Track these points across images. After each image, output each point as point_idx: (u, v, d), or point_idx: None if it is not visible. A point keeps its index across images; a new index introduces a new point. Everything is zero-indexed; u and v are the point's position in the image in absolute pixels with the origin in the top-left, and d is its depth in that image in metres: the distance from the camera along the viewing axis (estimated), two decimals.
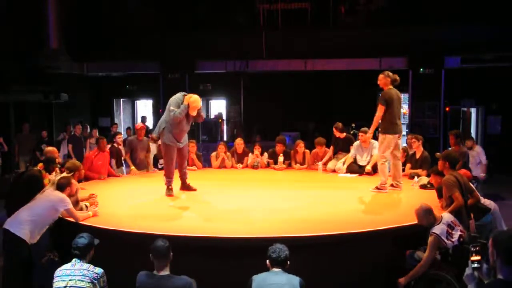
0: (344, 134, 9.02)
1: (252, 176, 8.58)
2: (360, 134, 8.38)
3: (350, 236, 4.80)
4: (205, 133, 14.79)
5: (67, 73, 13.80)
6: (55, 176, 5.46)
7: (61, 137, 12.73)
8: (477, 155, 9.35)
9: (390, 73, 6.78)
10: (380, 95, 6.76)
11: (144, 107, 17.93)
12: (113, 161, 8.61)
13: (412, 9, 12.78)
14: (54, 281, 3.95)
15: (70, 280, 3.89)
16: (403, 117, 13.05)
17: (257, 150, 9.32)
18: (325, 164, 8.86)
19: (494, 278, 3.10)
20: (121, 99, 17.16)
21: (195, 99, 6.47)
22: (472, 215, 5.44)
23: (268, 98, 14.46)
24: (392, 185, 6.91)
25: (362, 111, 13.99)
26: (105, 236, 4.71)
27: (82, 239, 4.09)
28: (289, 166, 9.15)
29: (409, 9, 12.82)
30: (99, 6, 14.14)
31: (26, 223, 4.82)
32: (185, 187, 6.99)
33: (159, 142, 8.01)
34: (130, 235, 4.85)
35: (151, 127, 14.55)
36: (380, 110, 6.64)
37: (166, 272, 3.92)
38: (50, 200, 5.05)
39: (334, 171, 8.61)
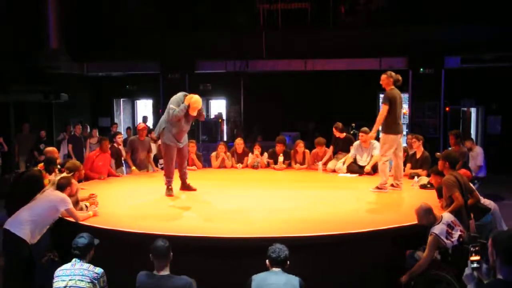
0: (344, 134, 9.02)
1: (252, 176, 8.58)
2: (361, 134, 8.38)
3: (350, 236, 4.80)
4: (205, 133, 14.79)
5: (67, 73, 13.80)
6: (55, 177, 5.46)
7: (61, 137, 12.73)
8: (476, 156, 9.35)
9: (393, 73, 6.79)
10: (383, 94, 6.76)
11: (144, 107, 17.93)
12: (112, 161, 8.61)
13: (412, 9, 12.78)
14: (54, 281, 3.95)
15: (70, 280, 3.89)
16: (403, 117, 13.06)
17: (257, 150, 9.32)
18: (325, 164, 8.86)
19: (493, 278, 3.10)
20: (121, 99, 17.16)
21: (196, 100, 6.48)
22: (472, 215, 5.44)
23: (268, 98, 14.46)
24: (392, 185, 6.92)
25: (362, 111, 14.06)
26: (105, 236, 4.71)
27: (82, 239, 4.09)
28: (289, 166, 9.16)
29: (409, 9, 12.83)
30: (99, 6, 14.14)
31: (26, 223, 4.82)
32: (185, 187, 6.99)
33: (159, 142, 8.02)
34: (130, 235, 4.85)
35: (151, 127, 14.55)
36: (383, 110, 6.65)
37: (166, 272, 3.93)
38: (50, 200, 5.05)
39: (334, 171, 8.61)
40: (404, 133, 10.13)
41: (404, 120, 12.96)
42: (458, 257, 4.59)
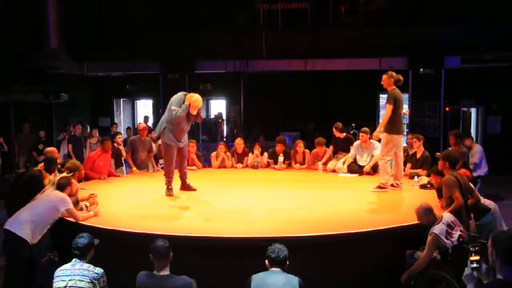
0: (344, 134, 9.03)
1: (252, 176, 8.58)
2: (361, 134, 8.38)
3: (350, 236, 4.80)
4: (205, 133, 14.79)
5: (67, 73, 13.80)
6: (54, 177, 5.46)
7: (61, 137, 12.73)
8: (474, 153, 9.39)
9: (394, 74, 6.80)
10: (388, 94, 6.76)
11: (144, 107, 17.93)
12: (112, 161, 8.60)
13: (412, 9, 12.78)
14: (54, 281, 3.95)
15: (70, 280, 3.89)
16: (403, 117, 13.06)
17: (257, 150, 9.33)
18: (325, 163, 8.87)
19: (493, 278, 3.10)
20: (121, 99, 17.16)
21: (196, 99, 6.49)
22: (472, 215, 5.45)
23: (268, 98, 14.46)
24: (392, 185, 6.93)
25: (362, 111, 14.08)
26: (105, 236, 4.71)
27: (82, 239, 4.10)
28: (289, 166, 9.16)
29: (409, 9, 12.82)
30: (99, 6, 14.14)
31: (27, 223, 4.82)
32: (185, 187, 7.00)
33: (159, 142, 8.02)
34: (130, 235, 4.85)
35: (152, 127, 14.55)
36: (389, 110, 6.66)
37: (166, 272, 3.93)
38: (50, 200, 5.06)
39: (334, 171, 8.62)
40: (404, 133, 10.16)
41: (404, 120, 12.95)
42: (458, 257, 4.59)
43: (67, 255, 4.19)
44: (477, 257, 3.48)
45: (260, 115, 14.59)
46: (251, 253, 4.42)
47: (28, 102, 13.24)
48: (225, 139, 14.90)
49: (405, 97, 12.71)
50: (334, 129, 8.94)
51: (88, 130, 12.13)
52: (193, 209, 6.26)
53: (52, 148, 7.30)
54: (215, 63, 13.95)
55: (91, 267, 3.99)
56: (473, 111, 15.30)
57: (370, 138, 8.38)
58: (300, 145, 9.23)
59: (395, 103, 6.67)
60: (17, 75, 12.55)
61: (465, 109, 15.30)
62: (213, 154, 9.44)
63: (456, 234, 4.75)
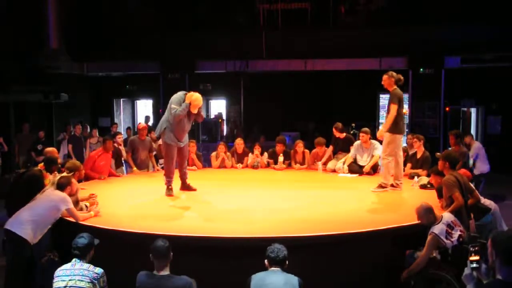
0: (344, 134, 9.02)
1: (252, 176, 8.58)
2: (361, 134, 8.38)
3: (350, 236, 4.80)
4: (205, 133, 14.79)
5: (67, 73, 13.80)
6: (54, 177, 5.46)
7: (61, 137, 12.73)
8: (472, 150, 9.43)
9: (394, 73, 6.80)
10: (391, 94, 6.76)
11: (144, 107, 17.93)
12: (112, 161, 8.60)
13: (412, 9, 12.78)
14: (54, 281, 3.95)
15: (70, 280, 3.89)
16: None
17: (257, 150, 9.33)
18: (325, 163, 8.87)
19: (493, 278, 3.10)
20: (121, 99, 17.16)
21: (196, 97, 6.50)
22: (472, 215, 5.45)
23: (268, 98, 14.46)
24: (392, 185, 6.93)
25: (362, 111, 14.08)
26: (105, 236, 4.71)
27: (82, 239, 4.10)
28: (289, 166, 9.16)
29: (409, 9, 12.82)
30: (99, 6, 14.14)
31: (27, 223, 4.82)
32: (185, 187, 7.00)
33: (159, 142, 8.02)
34: (130, 235, 4.85)
35: (152, 127, 14.55)
36: (394, 110, 6.66)
37: (166, 272, 3.93)
38: (51, 199, 5.06)
39: (334, 171, 8.61)
40: (405, 133, 10.20)
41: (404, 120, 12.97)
42: (458, 257, 4.59)
43: (67, 255, 4.19)
44: (476, 257, 3.48)
45: (260, 115, 14.59)
46: (251, 253, 4.42)
47: (28, 102, 13.23)
48: (225, 139, 14.90)
49: (405, 97, 12.72)
50: (334, 129, 8.94)
51: (88, 130, 12.13)
52: (193, 209, 6.26)
53: (52, 149, 7.30)
54: (215, 63, 13.95)
55: (91, 267, 4.00)
56: (473, 111, 15.30)
57: (371, 138, 8.39)
58: (299, 145, 9.23)
59: (399, 103, 6.70)
60: (17, 75, 12.55)
61: (465, 109, 15.30)
62: (213, 154, 9.44)
63: (456, 234, 4.75)
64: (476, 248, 3.56)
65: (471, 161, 9.40)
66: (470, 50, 12.33)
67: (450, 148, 8.30)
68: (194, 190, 6.98)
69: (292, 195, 6.94)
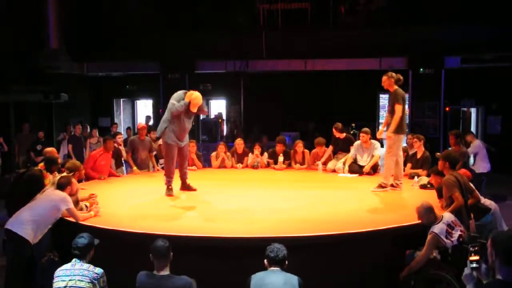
0: (344, 134, 9.02)
1: (252, 176, 8.58)
2: (362, 134, 8.38)
3: (350, 236, 4.80)
4: (205, 133, 14.79)
5: (67, 73, 13.79)
6: (54, 177, 5.46)
7: (61, 137, 12.73)
8: (472, 147, 9.47)
9: (393, 74, 6.80)
10: (394, 95, 6.75)
11: (144, 107, 17.93)
12: (113, 161, 8.61)
13: (412, 9, 12.78)
14: (54, 281, 3.95)
15: (70, 280, 3.89)
16: None
17: (257, 150, 9.33)
18: (325, 163, 8.87)
19: (493, 278, 3.10)
20: (121, 99, 17.16)
21: (196, 96, 6.49)
22: (472, 215, 5.45)
23: (268, 98, 14.46)
24: (392, 185, 6.93)
25: (362, 111, 14.08)
26: (105, 236, 4.71)
27: (82, 239, 4.10)
28: (289, 166, 9.16)
29: (409, 9, 12.82)
30: (99, 6, 14.14)
31: (28, 223, 4.82)
32: (185, 187, 6.99)
33: (159, 142, 8.02)
34: (130, 235, 4.85)
35: (153, 127, 14.55)
36: (399, 110, 6.67)
37: (166, 272, 3.93)
38: (51, 199, 5.06)
39: (334, 171, 8.62)
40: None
41: None
42: (458, 257, 4.60)
43: (67, 255, 4.19)
44: (476, 257, 3.48)
45: (260, 115, 14.59)
46: (251, 253, 4.42)
47: (28, 102, 13.23)
48: (225, 139, 14.90)
49: None
50: (334, 130, 8.94)
51: (88, 130, 12.13)
52: (193, 209, 6.26)
53: (51, 149, 7.30)
54: (215, 63, 13.95)
55: (91, 267, 4.00)
56: (473, 111, 15.30)
57: (371, 139, 8.39)
58: (299, 145, 9.23)
59: (404, 102, 6.72)
60: (17, 75, 12.55)
61: (465, 109, 15.30)
62: (213, 154, 9.44)
63: (456, 234, 4.76)
64: (476, 248, 3.56)
65: (471, 159, 9.44)
66: (470, 50, 12.33)
67: (450, 148, 8.30)
68: (194, 190, 6.97)
69: (292, 195, 6.94)
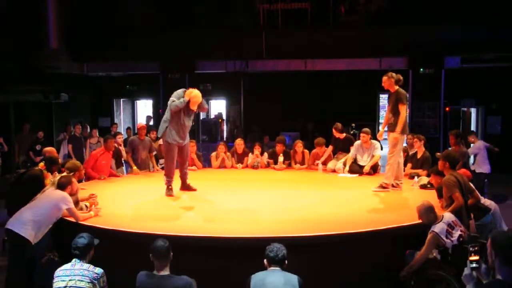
0: (344, 134, 9.02)
1: (252, 176, 8.58)
2: (362, 134, 8.38)
3: (349, 236, 4.80)
4: (205, 133, 14.79)
5: (67, 73, 13.80)
6: (54, 177, 5.46)
7: (61, 137, 12.72)
8: (472, 148, 9.48)
9: (394, 74, 6.81)
10: (397, 95, 6.74)
11: (144, 107, 17.93)
12: (113, 161, 8.60)
13: (412, 9, 12.77)
14: (54, 281, 3.95)
15: (70, 280, 3.89)
16: None
17: (257, 150, 9.32)
18: (324, 163, 8.87)
19: (493, 278, 3.10)
20: (121, 99, 17.16)
21: (195, 94, 6.48)
22: (472, 215, 5.45)
23: (268, 98, 14.46)
24: (392, 185, 6.93)
25: (362, 111, 14.08)
26: (105, 236, 4.71)
27: (82, 239, 4.10)
28: (289, 166, 9.16)
29: (409, 9, 12.82)
30: (99, 6, 14.13)
31: (29, 223, 4.83)
32: (185, 187, 6.99)
33: (159, 142, 8.01)
34: (130, 235, 4.86)
35: (153, 127, 14.53)
36: (404, 110, 6.67)
37: (166, 272, 3.93)
38: (52, 198, 5.06)
39: (334, 171, 8.61)
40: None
41: None
42: (458, 257, 4.60)
43: (67, 255, 4.19)
44: (476, 257, 3.49)
45: (260, 115, 14.59)
46: (251, 253, 4.41)
47: (28, 102, 13.23)
48: (225, 139, 14.90)
49: None
50: (333, 130, 8.93)
51: (88, 130, 12.13)
52: (193, 209, 6.27)
53: (50, 148, 7.30)
54: (215, 63, 13.94)
55: (91, 267, 4.00)
56: (473, 111, 15.30)
57: (371, 139, 8.39)
58: (299, 145, 9.23)
59: (407, 102, 6.73)
60: (17, 75, 12.54)
61: (465, 109, 15.30)
62: (213, 154, 9.44)
63: (456, 233, 4.76)
64: (476, 248, 3.56)
65: (471, 158, 9.44)
66: (470, 50, 12.33)
67: (450, 148, 8.30)
68: (194, 190, 6.97)
69: (292, 195, 6.94)
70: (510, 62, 12.28)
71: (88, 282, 3.89)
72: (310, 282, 3.99)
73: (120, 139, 9.78)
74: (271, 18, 13.76)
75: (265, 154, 9.41)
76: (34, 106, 13.67)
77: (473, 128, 15.10)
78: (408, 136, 8.91)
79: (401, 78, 6.82)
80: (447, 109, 13.80)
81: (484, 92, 13.78)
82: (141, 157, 8.81)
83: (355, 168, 8.35)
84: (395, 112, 6.74)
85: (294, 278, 3.78)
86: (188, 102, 6.42)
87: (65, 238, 4.71)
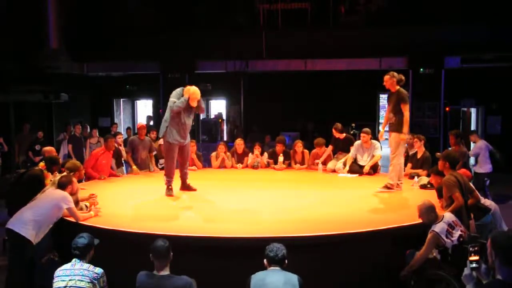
0: (344, 134, 9.01)
1: (252, 176, 8.58)
2: (362, 134, 8.38)
3: (350, 236, 4.80)
4: (205, 133, 14.79)
5: (67, 73, 13.80)
6: (55, 177, 5.47)
7: (61, 137, 12.72)
8: (474, 148, 9.47)
9: (395, 74, 6.79)
10: (399, 95, 6.74)
11: (144, 107, 17.93)
12: (113, 161, 8.61)
13: (412, 9, 12.78)
14: (54, 281, 3.95)
15: (70, 280, 3.89)
16: None
17: (257, 150, 9.32)
18: (324, 163, 8.87)
19: (493, 278, 3.10)
20: (121, 99, 17.16)
21: (194, 91, 6.54)
22: (472, 215, 5.45)
23: (268, 98, 14.46)
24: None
25: (362, 111, 14.08)
26: (105, 236, 4.71)
27: (82, 239, 4.10)
28: (289, 166, 9.16)
29: (409, 9, 12.82)
30: (99, 6, 14.13)
31: (30, 223, 4.83)
32: (185, 187, 6.99)
33: (159, 142, 8.01)
34: (130, 235, 4.86)
35: (154, 127, 14.54)
36: (407, 110, 6.66)
37: (166, 272, 3.93)
38: (53, 198, 5.07)
39: (334, 171, 8.61)
40: None
41: None
42: (458, 257, 4.59)
43: (67, 255, 4.19)
44: (476, 257, 3.48)
45: (260, 115, 14.59)
46: (251, 253, 4.41)
47: (28, 102, 13.23)
48: (225, 139, 14.89)
49: None
50: (333, 130, 8.93)
51: (88, 130, 12.13)
52: (193, 209, 6.27)
53: (50, 148, 7.30)
54: (215, 63, 13.95)
55: (91, 267, 4.00)
56: (473, 111, 15.30)
57: (371, 139, 8.39)
58: (298, 145, 9.23)
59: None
60: (17, 75, 12.54)
61: (465, 109, 15.30)
62: (213, 154, 9.44)
63: (456, 233, 4.76)
64: (476, 248, 3.56)
65: (472, 158, 9.44)
66: (470, 50, 12.33)
67: (450, 148, 8.30)
68: (194, 190, 6.97)
69: (292, 195, 6.95)
70: (510, 62, 12.28)
71: (88, 282, 3.89)
72: (310, 282, 3.99)
73: (120, 139, 9.78)
74: (271, 18, 13.76)
75: (265, 154, 9.41)
76: (34, 106, 13.68)
77: (473, 128, 15.10)
78: (408, 136, 8.92)
79: (403, 78, 6.82)
80: (447, 109, 13.80)
81: (484, 92, 13.78)
82: (141, 157, 8.81)
83: (355, 168, 8.34)
84: (396, 112, 6.73)
85: (294, 278, 3.78)
86: (188, 99, 6.45)
87: (65, 238, 4.71)
